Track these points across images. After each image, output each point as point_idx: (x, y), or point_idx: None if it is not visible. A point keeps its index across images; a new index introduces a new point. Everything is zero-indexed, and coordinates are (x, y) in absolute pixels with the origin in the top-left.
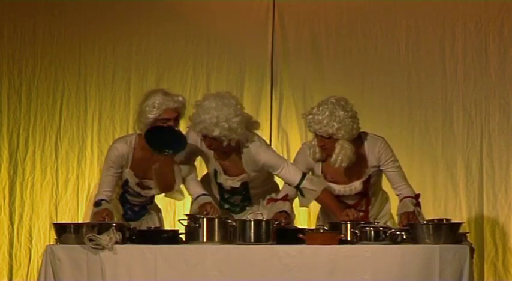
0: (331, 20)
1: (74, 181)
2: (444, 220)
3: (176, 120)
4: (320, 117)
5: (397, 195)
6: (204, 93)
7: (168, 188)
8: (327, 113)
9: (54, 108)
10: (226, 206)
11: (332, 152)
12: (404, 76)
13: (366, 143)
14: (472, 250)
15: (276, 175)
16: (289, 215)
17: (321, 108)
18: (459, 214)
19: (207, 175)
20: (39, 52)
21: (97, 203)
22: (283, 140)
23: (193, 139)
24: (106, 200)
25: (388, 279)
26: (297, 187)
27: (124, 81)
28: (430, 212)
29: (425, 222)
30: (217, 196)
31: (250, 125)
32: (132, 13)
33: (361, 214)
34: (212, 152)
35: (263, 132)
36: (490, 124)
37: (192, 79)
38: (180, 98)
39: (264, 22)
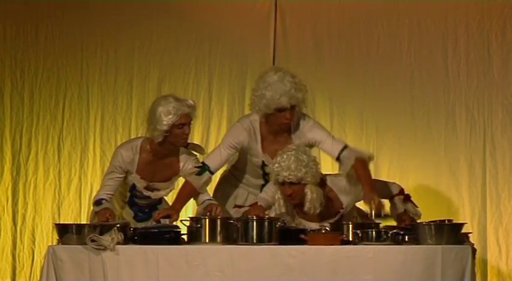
0: (333, 20)
1: (77, 182)
2: (446, 221)
3: (189, 124)
4: (287, 163)
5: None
6: (261, 74)
7: None
8: (293, 159)
9: (57, 109)
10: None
11: (301, 199)
12: (407, 76)
13: (329, 185)
14: (474, 251)
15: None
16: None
17: (285, 156)
18: (462, 214)
19: (241, 163)
20: (42, 53)
21: (97, 202)
22: None
23: (244, 131)
24: (106, 200)
25: (390, 279)
26: (338, 159)
27: (126, 82)
28: (432, 212)
29: (427, 223)
30: (260, 181)
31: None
32: (134, 14)
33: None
34: (260, 145)
35: None
36: (493, 124)
37: (194, 80)
38: (191, 102)
39: (266, 23)
